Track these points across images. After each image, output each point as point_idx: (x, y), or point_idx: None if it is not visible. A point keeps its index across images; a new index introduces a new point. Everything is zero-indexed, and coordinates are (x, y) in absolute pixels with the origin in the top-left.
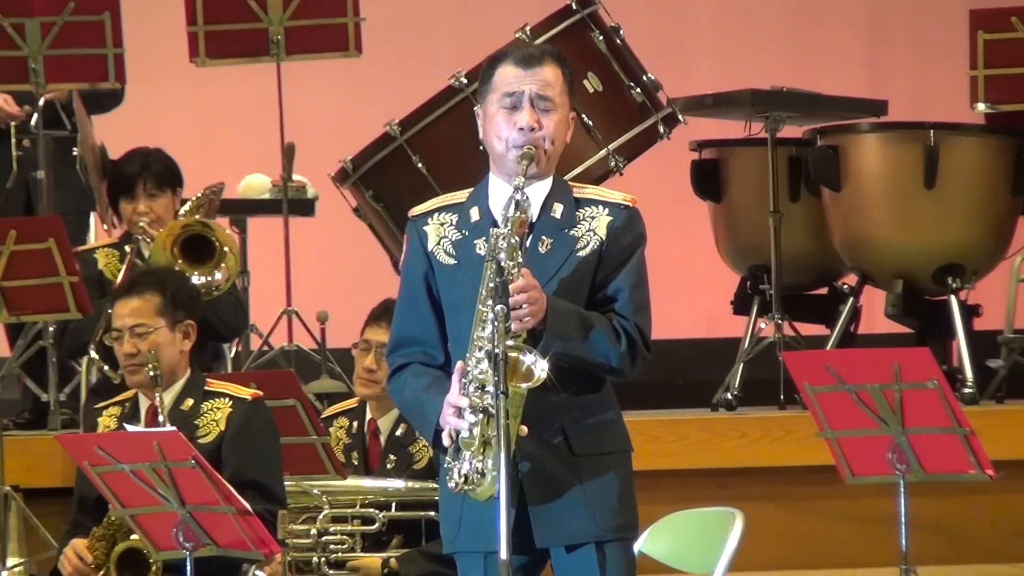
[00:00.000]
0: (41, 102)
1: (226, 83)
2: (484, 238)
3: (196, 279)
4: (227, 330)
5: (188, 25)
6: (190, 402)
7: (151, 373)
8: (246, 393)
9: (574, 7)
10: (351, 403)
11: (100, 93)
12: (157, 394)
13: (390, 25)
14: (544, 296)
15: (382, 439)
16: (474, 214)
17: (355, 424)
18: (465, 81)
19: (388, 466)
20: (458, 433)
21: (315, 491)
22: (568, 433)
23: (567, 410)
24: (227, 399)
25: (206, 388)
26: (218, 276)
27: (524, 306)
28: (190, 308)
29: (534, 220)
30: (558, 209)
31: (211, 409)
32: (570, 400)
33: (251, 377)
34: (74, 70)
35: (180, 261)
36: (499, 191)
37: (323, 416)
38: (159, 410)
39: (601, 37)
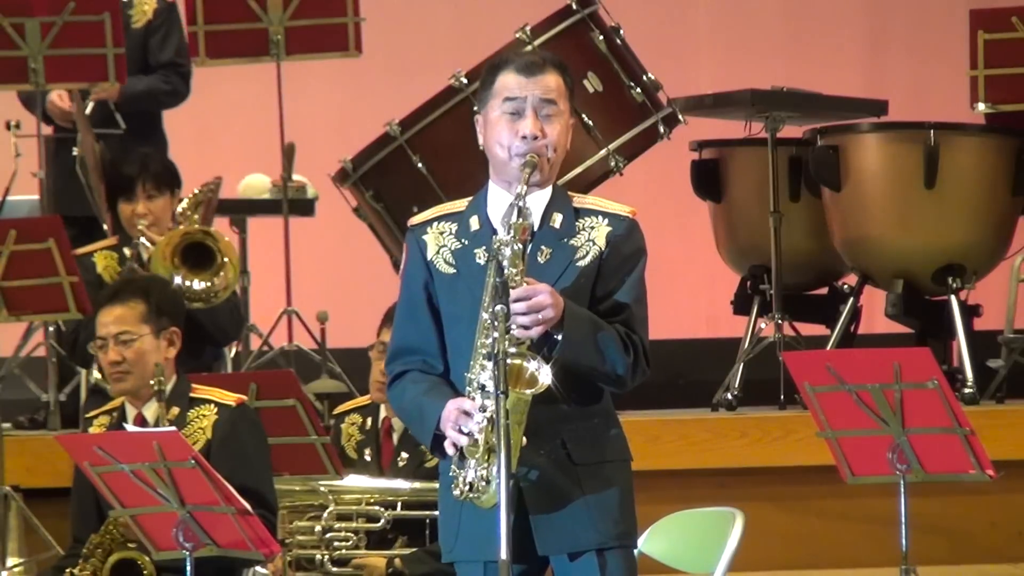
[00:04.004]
0: (91, 103)
1: (226, 83)
2: (484, 247)
3: (197, 285)
4: (222, 336)
5: (188, 25)
6: (176, 410)
7: (156, 388)
8: (231, 399)
9: (574, 7)
10: (364, 400)
11: (158, 92)
12: (159, 408)
13: (390, 25)
14: (560, 299)
15: (395, 437)
16: (474, 223)
17: (368, 421)
18: (465, 81)
19: (400, 464)
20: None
21: (321, 488)
22: (568, 443)
23: (567, 420)
24: (212, 406)
25: (192, 395)
26: (217, 283)
27: (526, 314)
28: (174, 315)
29: (534, 229)
30: (557, 219)
31: (197, 417)
32: (570, 411)
33: (251, 377)
34: (74, 70)
35: (182, 270)
36: (498, 199)
37: (336, 412)
38: (145, 419)
39: (601, 37)
